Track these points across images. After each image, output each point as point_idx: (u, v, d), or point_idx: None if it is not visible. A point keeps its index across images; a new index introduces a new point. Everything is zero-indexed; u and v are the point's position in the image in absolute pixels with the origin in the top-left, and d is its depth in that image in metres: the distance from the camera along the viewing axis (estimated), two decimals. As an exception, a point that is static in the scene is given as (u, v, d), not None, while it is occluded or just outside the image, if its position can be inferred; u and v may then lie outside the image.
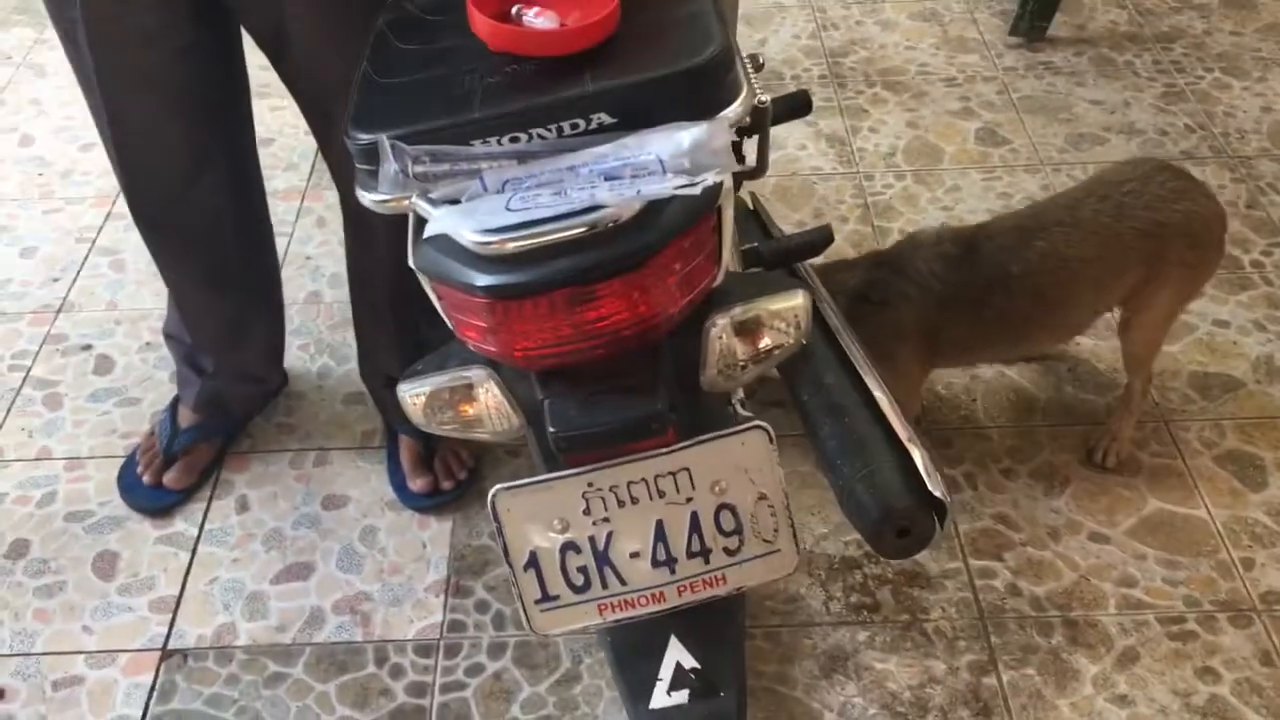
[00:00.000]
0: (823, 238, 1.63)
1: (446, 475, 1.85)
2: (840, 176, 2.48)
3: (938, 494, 1.25)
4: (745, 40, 2.88)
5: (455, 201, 1.01)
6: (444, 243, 1.01)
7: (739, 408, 1.46)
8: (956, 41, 2.89)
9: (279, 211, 2.39)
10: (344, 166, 1.57)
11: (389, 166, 1.02)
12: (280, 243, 2.28)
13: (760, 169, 1.82)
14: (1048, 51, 2.84)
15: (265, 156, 2.22)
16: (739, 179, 1.82)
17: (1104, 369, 2.03)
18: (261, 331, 1.91)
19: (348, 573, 1.77)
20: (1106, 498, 1.84)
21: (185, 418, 1.89)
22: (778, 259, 1.59)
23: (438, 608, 1.71)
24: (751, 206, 1.83)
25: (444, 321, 1.10)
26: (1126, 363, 1.86)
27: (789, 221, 2.34)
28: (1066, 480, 1.86)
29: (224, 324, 1.84)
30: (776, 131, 1.95)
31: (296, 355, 2.11)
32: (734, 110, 1.04)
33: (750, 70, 1.84)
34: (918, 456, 1.28)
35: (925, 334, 1.74)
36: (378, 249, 1.65)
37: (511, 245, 0.97)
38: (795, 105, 2.05)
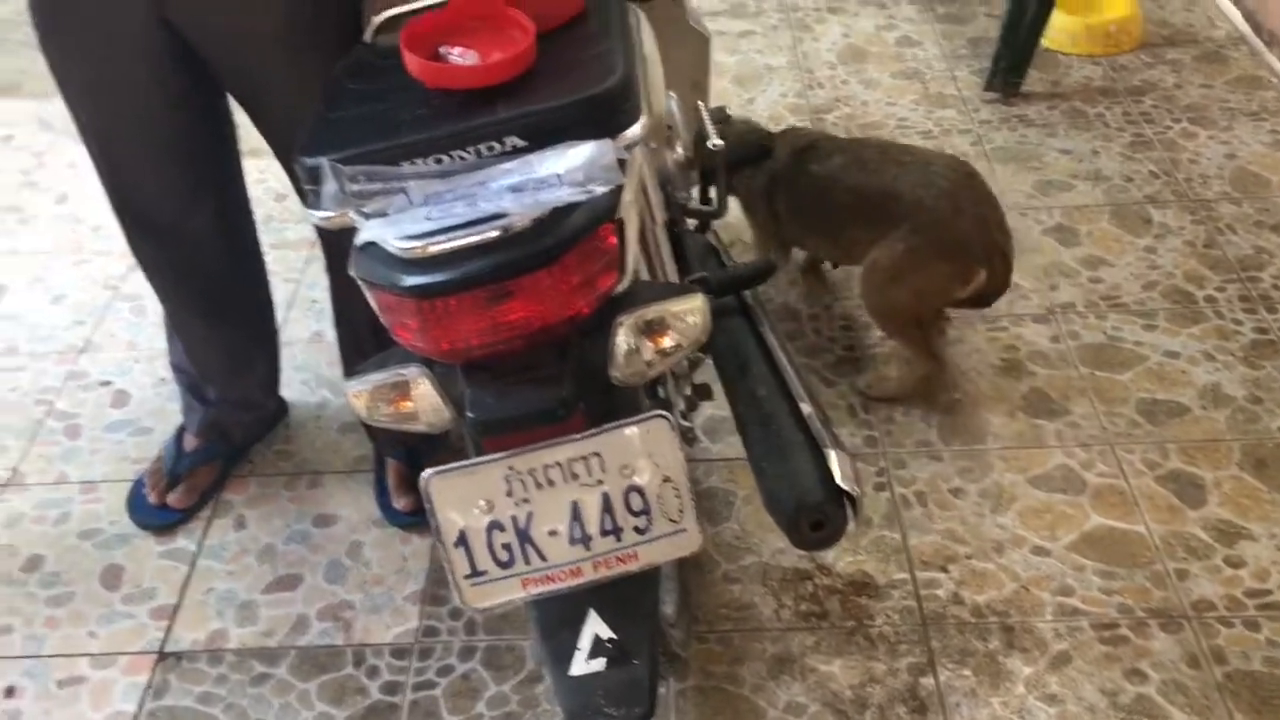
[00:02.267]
0: (767, 268, 1.77)
1: (429, 495, 1.98)
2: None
3: (848, 489, 1.37)
4: (734, 98, 3.04)
5: (383, 215, 1.16)
6: (376, 251, 1.16)
7: (679, 415, 1.59)
8: (935, 98, 3.03)
9: (290, 260, 2.58)
10: None
11: (329, 186, 1.17)
12: (290, 288, 2.47)
13: (719, 210, 1.97)
14: (1022, 106, 2.97)
15: (279, 210, 2.41)
16: (703, 219, 1.98)
17: (1055, 397, 2.13)
18: (258, 361, 2.07)
19: (333, 583, 1.90)
20: (1050, 515, 1.93)
21: (189, 443, 2.04)
22: (725, 287, 1.73)
23: (414, 615, 1.84)
24: (714, 243, 1.96)
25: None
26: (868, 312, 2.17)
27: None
28: (1013, 499, 1.96)
29: (222, 354, 1.99)
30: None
31: (299, 388, 2.27)
32: (630, 132, 1.18)
33: (712, 120, 2.00)
34: (833, 458, 1.40)
35: (770, 200, 2.23)
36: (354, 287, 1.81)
37: (432, 249, 1.11)
38: (755, 151, 2.21)
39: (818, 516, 1.36)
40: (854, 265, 2.16)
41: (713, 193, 2.01)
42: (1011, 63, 2.93)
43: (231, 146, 1.83)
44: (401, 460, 2.01)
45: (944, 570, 1.85)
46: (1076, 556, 1.86)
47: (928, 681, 1.70)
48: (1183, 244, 2.47)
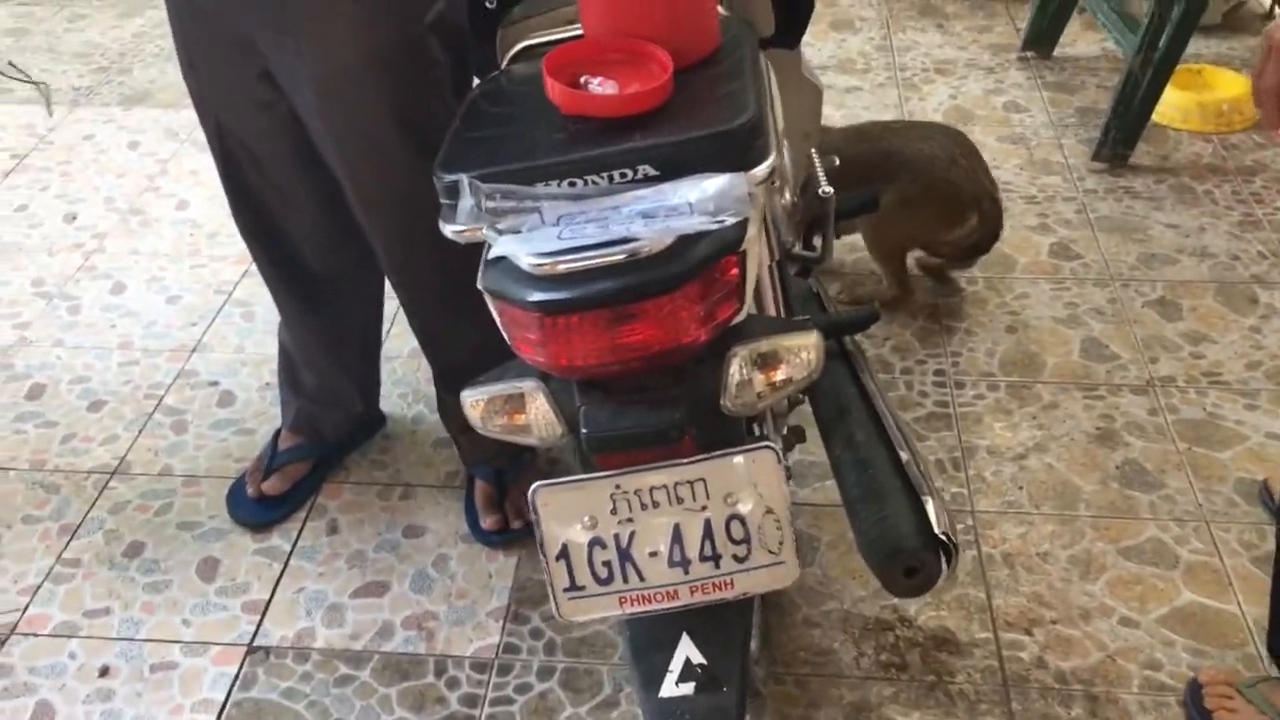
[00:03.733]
0: (870, 316, 1.79)
1: (516, 515, 2.01)
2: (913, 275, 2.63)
3: (944, 538, 1.38)
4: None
5: (517, 232, 1.20)
6: (506, 266, 1.20)
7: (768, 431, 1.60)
8: (1041, 164, 3.03)
9: (395, 279, 2.64)
10: (379, 247, 1.84)
11: (466, 201, 1.21)
12: (391, 305, 2.53)
13: (824, 256, 2.00)
14: (1129, 177, 2.96)
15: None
16: (807, 264, 2.00)
17: (1150, 469, 2.11)
18: (354, 356, 2.13)
19: (419, 593, 1.93)
20: (1141, 586, 1.90)
21: (285, 440, 2.12)
22: (827, 331, 1.74)
23: (496, 631, 1.87)
24: (815, 290, 1.99)
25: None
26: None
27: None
28: (1103, 567, 1.94)
29: (319, 340, 2.05)
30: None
31: (396, 403, 2.32)
32: (760, 169, 1.21)
33: (822, 167, 2.03)
34: (930, 504, 1.41)
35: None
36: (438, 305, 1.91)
37: (562, 267, 1.15)
38: (864, 203, 2.23)
39: (913, 563, 1.36)
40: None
41: (817, 240, 2.04)
42: (1122, 134, 2.93)
43: None
44: (489, 481, 2.05)
45: (1028, 633, 1.84)
46: (1166, 631, 1.83)
47: (1006, 743, 1.68)
48: (1291, 327, 2.44)
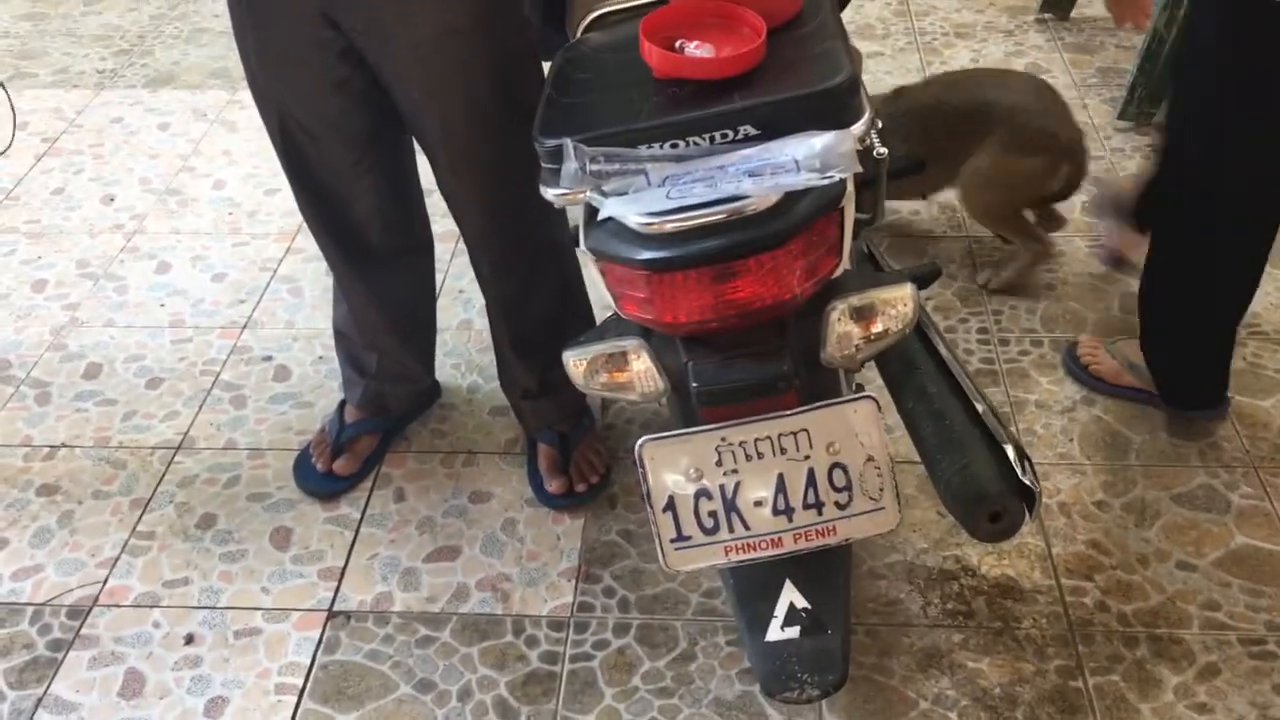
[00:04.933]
0: (932, 272, 1.82)
1: (580, 479, 2.05)
2: (950, 239, 2.67)
3: (1027, 483, 1.42)
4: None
5: (623, 194, 1.23)
6: (613, 227, 1.23)
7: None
8: (1067, 124, 3.06)
9: (438, 252, 2.66)
10: (468, 215, 1.85)
11: (570, 165, 1.25)
12: (438, 278, 2.56)
13: (876, 217, 2.03)
14: (1154, 136, 2.99)
15: (432, 203, 2.49)
16: (858, 227, 2.04)
17: (1196, 420, 2.16)
18: (418, 330, 2.16)
19: (490, 556, 1.97)
20: (1195, 531, 1.95)
21: (351, 415, 2.14)
22: None
23: (569, 590, 1.91)
24: (867, 250, 2.02)
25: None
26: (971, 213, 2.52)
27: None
28: (1157, 514, 1.99)
29: (385, 316, 2.06)
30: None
31: (449, 373, 2.36)
32: (859, 126, 1.24)
33: (875, 129, 2.06)
34: (1011, 451, 1.45)
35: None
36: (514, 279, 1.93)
37: (670, 226, 1.19)
38: (912, 165, 2.27)
39: (997, 508, 1.41)
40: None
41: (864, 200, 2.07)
42: (1148, 92, 2.96)
43: (396, 136, 1.86)
44: (553, 445, 2.09)
45: (1089, 579, 1.88)
46: (1222, 573, 1.88)
47: (1076, 685, 1.73)
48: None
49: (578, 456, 2.08)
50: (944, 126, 2.40)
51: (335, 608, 1.90)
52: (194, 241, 2.78)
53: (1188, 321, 2.04)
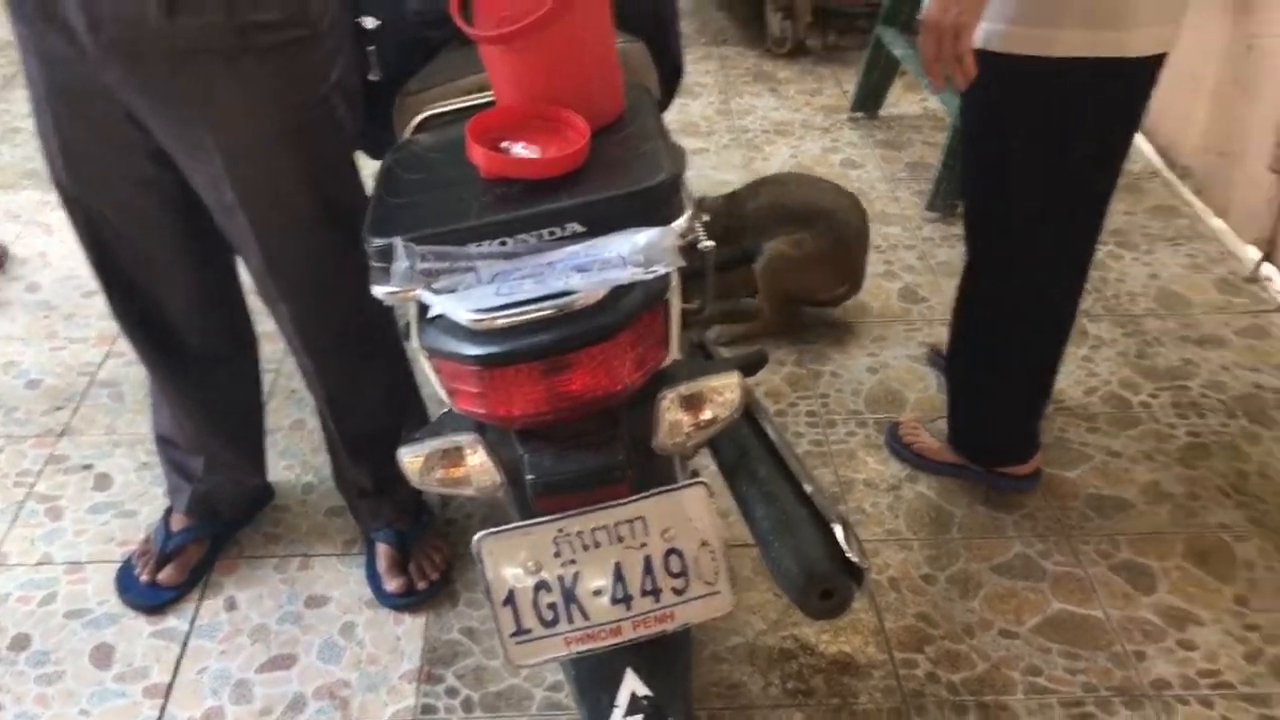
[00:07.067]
0: (759, 359, 1.89)
1: (421, 577, 2.03)
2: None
3: (855, 560, 1.47)
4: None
5: (454, 291, 1.25)
6: (444, 324, 1.25)
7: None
8: (880, 215, 3.23)
9: (267, 352, 2.61)
10: (284, 316, 1.81)
11: (400, 263, 1.26)
12: (269, 378, 2.52)
13: (703, 308, 2.10)
14: (960, 224, 3.17)
15: (256, 303, 2.45)
16: (687, 318, 2.10)
17: (1012, 490, 2.27)
18: (245, 432, 2.10)
19: (328, 663, 1.92)
20: (1015, 600, 2.05)
21: (177, 522, 2.07)
22: None
23: (411, 693, 1.87)
24: (697, 341, 2.08)
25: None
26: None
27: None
28: (979, 585, 2.08)
29: (210, 421, 2.01)
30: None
31: (283, 474, 2.31)
32: (680, 222, 1.30)
33: (700, 223, 2.14)
34: (839, 531, 1.50)
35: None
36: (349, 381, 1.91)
37: (501, 321, 1.21)
38: (741, 257, 2.36)
39: (828, 586, 1.45)
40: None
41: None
42: (952, 185, 3.15)
43: (214, 237, 1.79)
44: (391, 544, 2.06)
45: (920, 651, 1.95)
46: (1042, 639, 1.97)
47: (912, 755, 1.78)
48: (1116, 354, 2.67)
49: (417, 554, 2.05)
50: (775, 223, 2.60)
51: (162, 727, 1.82)
52: (6, 347, 2.66)
53: (990, 378, 2.17)
